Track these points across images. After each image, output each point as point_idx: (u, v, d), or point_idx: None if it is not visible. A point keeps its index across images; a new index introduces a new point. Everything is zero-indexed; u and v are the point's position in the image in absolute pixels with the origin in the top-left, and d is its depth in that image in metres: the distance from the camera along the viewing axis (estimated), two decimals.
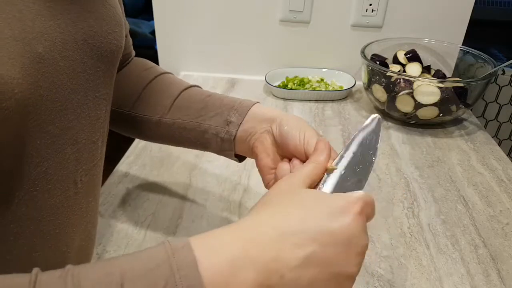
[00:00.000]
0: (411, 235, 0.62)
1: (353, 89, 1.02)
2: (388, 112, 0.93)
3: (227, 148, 0.51)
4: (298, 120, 0.47)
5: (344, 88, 1.01)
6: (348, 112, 0.96)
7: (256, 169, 0.74)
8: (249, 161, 0.76)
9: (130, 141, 0.82)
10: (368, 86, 0.95)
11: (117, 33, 0.40)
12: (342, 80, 1.04)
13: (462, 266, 0.57)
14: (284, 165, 0.45)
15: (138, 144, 0.81)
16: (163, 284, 0.26)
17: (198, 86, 0.56)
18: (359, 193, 0.35)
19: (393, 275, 0.55)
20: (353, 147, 0.42)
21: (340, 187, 0.38)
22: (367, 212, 0.34)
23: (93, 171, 0.41)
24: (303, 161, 0.44)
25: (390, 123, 0.92)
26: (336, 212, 0.32)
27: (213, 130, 0.50)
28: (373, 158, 0.42)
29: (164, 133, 0.53)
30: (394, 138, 0.87)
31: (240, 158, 0.53)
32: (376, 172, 0.75)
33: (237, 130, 0.49)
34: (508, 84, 1.23)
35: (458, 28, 1.02)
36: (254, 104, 0.51)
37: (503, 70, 1.22)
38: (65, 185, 0.37)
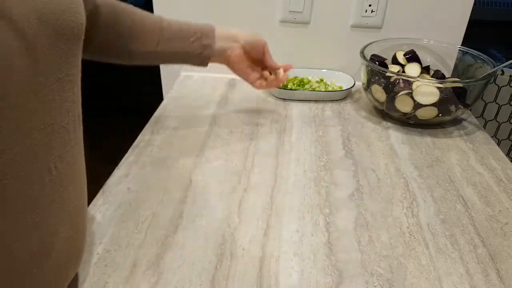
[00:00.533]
0: (410, 234, 0.62)
1: (353, 89, 1.03)
2: (388, 112, 0.93)
3: (204, 63, 0.76)
4: (255, 33, 0.79)
5: (343, 89, 1.02)
6: (347, 112, 0.96)
7: (257, 169, 0.74)
8: (249, 162, 0.77)
9: (130, 141, 0.82)
10: (367, 87, 0.95)
11: (74, 9, 0.38)
12: (342, 81, 1.05)
13: (461, 265, 0.57)
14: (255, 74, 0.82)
15: (139, 144, 0.81)
16: None
17: (162, 16, 0.74)
18: None
19: (392, 275, 0.55)
20: None
21: None
22: None
23: (68, 158, 0.41)
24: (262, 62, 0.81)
25: (389, 123, 0.92)
26: None
27: (197, 53, 0.74)
28: None
29: (156, 59, 0.75)
30: (393, 138, 0.87)
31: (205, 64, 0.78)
32: (375, 172, 0.76)
33: (212, 51, 0.75)
34: (507, 84, 1.24)
35: (457, 28, 1.03)
36: (215, 27, 0.75)
37: (502, 71, 1.23)
38: (38, 172, 0.37)
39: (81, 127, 0.44)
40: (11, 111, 0.33)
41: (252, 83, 0.82)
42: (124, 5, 0.69)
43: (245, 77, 0.81)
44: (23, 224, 0.37)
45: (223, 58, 0.77)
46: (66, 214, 0.42)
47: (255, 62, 0.80)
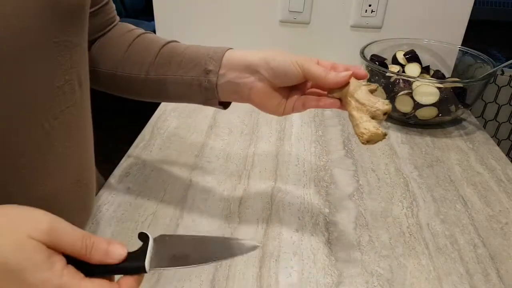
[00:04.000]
0: (410, 234, 0.62)
1: None
2: None
3: (211, 97, 0.54)
4: (281, 54, 0.50)
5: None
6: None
7: (257, 169, 0.74)
8: (249, 161, 0.77)
9: (130, 141, 0.82)
10: None
11: None
12: None
13: (461, 265, 0.57)
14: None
15: (139, 144, 0.81)
16: None
17: (176, 41, 0.58)
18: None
19: (392, 275, 0.55)
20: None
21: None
22: None
23: (64, 116, 0.43)
24: (305, 85, 0.54)
25: (389, 123, 0.92)
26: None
27: (196, 82, 0.53)
28: (213, 261, 0.40)
29: (151, 90, 0.56)
30: (393, 138, 0.87)
31: (225, 105, 0.57)
32: (375, 172, 0.76)
33: (217, 78, 0.52)
34: (507, 85, 1.24)
35: (458, 28, 1.03)
36: (227, 49, 0.54)
37: (502, 71, 1.23)
38: (30, 127, 0.40)
39: (84, 92, 0.47)
40: (3, 65, 0.35)
41: (296, 109, 0.54)
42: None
43: (274, 113, 0.54)
44: (20, 177, 0.40)
45: (241, 96, 0.53)
46: (68, 169, 0.44)
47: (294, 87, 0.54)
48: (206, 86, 0.53)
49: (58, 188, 0.44)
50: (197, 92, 0.54)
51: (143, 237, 0.39)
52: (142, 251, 0.37)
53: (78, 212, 0.49)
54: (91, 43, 0.57)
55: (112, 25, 0.59)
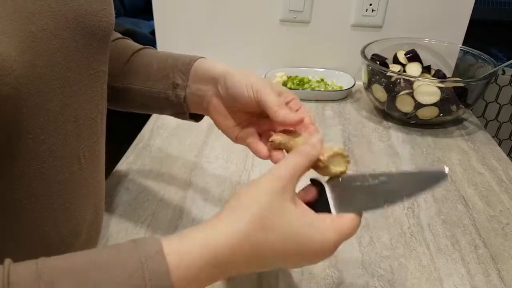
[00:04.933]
0: (411, 235, 0.62)
1: (353, 89, 1.02)
2: (388, 112, 0.93)
3: (180, 111, 0.52)
4: (242, 74, 0.45)
5: (344, 88, 1.01)
6: (348, 112, 0.96)
7: (257, 169, 0.74)
8: (249, 162, 0.77)
9: (130, 141, 0.82)
10: (368, 86, 0.95)
11: (106, 10, 0.40)
12: (342, 80, 1.04)
13: (462, 266, 0.57)
14: (248, 132, 0.47)
15: (138, 144, 0.81)
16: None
17: (149, 47, 0.55)
18: (352, 225, 0.35)
19: (393, 275, 0.55)
20: (396, 172, 0.39)
21: (342, 196, 0.37)
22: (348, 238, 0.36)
23: (94, 147, 0.43)
24: (260, 116, 0.46)
25: (390, 123, 0.92)
26: (311, 255, 0.34)
27: (163, 95, 0.51)
28: (401, 200, 0.38)
29: (120, 99, 0.54)
30: (394, 138, 0.87)
31: (197, 118, 0.54)
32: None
33: (185, 92, 0.50)
34: (508, 84, 1.23)
35: (458, 28, 1.02)
36: (196, 60, 0.50)
37: (503, 70, 1.22)
38: (69, 161, 0.39)
39: (105, 119, 0.46)
40: (48, 104, 0.35)
41: (233, 138, 0.50)
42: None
43: (228, 135, 0.50)
44: (53, 209, 0.39)
45: (202, 108, 0.50)
46: (91, 199, 0.44)
47: (246, 114, 0.49)
48: (173, 101, 0.50)
49: (83, 220, 0.43)
50: (165, 105, 0.52)
51: (317, 183, 0.37)
52: (323, 198, 0.36)
53: (94, 239, 0.48)
54: None
55: None
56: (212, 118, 0.50)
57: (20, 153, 0.34)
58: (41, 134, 0.35)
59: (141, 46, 0.55)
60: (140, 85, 0.52)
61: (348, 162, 0.38)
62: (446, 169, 0.36)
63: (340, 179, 0.38)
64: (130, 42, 0.57)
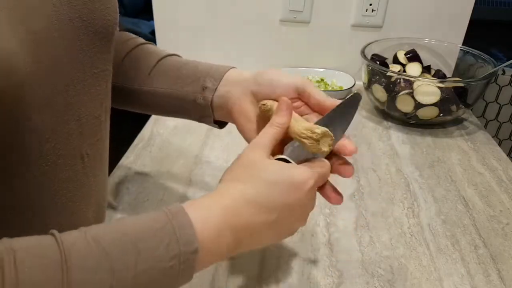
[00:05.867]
0: (411, 235, 0.62)
1: (353, 89, 1.02)
2: (388, 112, 0.93)
3: (206, 114, 0.52)
4: (275, 70, 0.49)
5: (344, 88, 1.01)
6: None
7: None
8: None
9: (130, 141, 0.82)
10: (368, 86, 0.95)
11: (110, 8, 0.41)
12: (342, 80, 1.04)
13: (462, 266, 0.57)
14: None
15: (138, 144, 0.81)
16: (168, 240, 0.33)
17: (177, 55, 0.56)
18: (315, 166, 0.42)
19: (393, 275, 0.55)
20: (326, 118, 0.45)
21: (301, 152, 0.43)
22: (320, 182, 0.43)
23: (97, 146, 0.44)
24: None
25: (390, 123, 0.92)
26: (294, 188, 0.39)
27: (191, 97, 0.51)
28: (343, 132, 0.47)
29: (145, 102, 0.55)
30: (394, 138, 0.87)
31: (221, 124, 0.55)
32: (376, 172, 0.75)
33: (213, 95, 0.50)
34: (508, 84, 1.23)
35: (458, 28, 1.02)
36: (230, 69, 0.51)
37: (503, 70, 1.22)
38: (73, 159, 0.40)
39: (109, 118, 0.47)
40: (53, 102, 0.35)
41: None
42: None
43: (248, 140, 0.49)
44: (56, 207, 0.40)
45: (226, 111, 0.51)
46: (93, 197, 0.45)
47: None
48: (201, 103, 0.51)
49: (85, 219, 0.45)
50: (191, 108, 0.52)
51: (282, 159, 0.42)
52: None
53: None
54: None
55: None
56: (235, 122, 0.50)
57: (25, 151, 0.35)
58: (45, 132, 0.36)
59: (169, 52, 0.55)
60: (169, 88, 0.52)
61: (330, 145, 0.43)
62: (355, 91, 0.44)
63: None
64: (156, 47, 0.57)
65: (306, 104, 0.48)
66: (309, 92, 0.47)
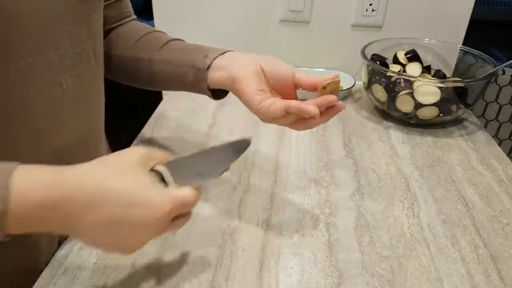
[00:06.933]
0: (411, 235, 0.62)
1: (353, 89, 1.02)
2: (388, 112, 0.93)
3: (202, 78, 0.56)
4: (270, 57, 0.56)
5: (344, 88, 1.01)
6: (348, 112, 0.96)
7: (257, 169, 0.74)
8: (249, 161, 0.77)
9: (130, 141, 0.82)
10: (368, 86, 0.95)
11: None
12: (342, 80, 1.03)
13: (462, 266, 0.57)
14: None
15: (138, 144, 0.81)
16: None
17: (184, 41, 0.64)
18: (177, 195, 0.40)
19: (393, 275, 0.55)
20: (207, 150, 0.46)
21: (178, 172, 0.43)
22: (176, 211, 0.40)
23: (79, 79, 0.50)
24: (289, 91, 0.55)
25: (390, 123, 0.92)
26: (145, 205, 0.38)
27: (191, 62, 0.57)
28: (221, 172, 0.47)
29: (151, 71, 0.61)
30: (394, 138, 0.87)
31: (215, 96, 0.59)
32: (376, 172, 0.75)
33: (212, 62, 0.56)
34: (508, 84, 1.23)
35: (458, 28, 1.02)
36: (231, 51, 0.58)
37: (503, 70, 1.22)
38: (50, 83, 0.47)
39: (99, 62, 0.55)
40: (30, 30, 0.43)
41: (261, 110, 0.52)
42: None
43: (251, 98, 0.52)
44: (36, 127, 0.47)
45: (227, 73, 0.54)
46: (73, 125, 0.52)
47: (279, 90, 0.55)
48: (199, 67, 0.56)
49: (67, 145, 0.51)
50: (190, 73, 0.57)
51: (156, 172, 0.42)
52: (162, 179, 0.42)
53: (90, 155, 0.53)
54: (109, 31, 0.64)
55: (129, 18, 0.67)
56: (237, 82, 0.53)
57: (3, 66, 0.42)
58: (22, 50, 0.43)
59: (178, 38, 0.65)
60: (174, 57, 0.59)
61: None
62: (250, 138, 0.48)
63: (173, 165, 0.43)
64: (167, 34, 0.66)
65: (299, 86, 0.55)
66: (298, 77, 0.55)
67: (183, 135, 0.84)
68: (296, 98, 0.55)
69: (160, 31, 0.66)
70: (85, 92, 0.53)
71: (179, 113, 0.91)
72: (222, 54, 0.56)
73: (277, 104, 0.50)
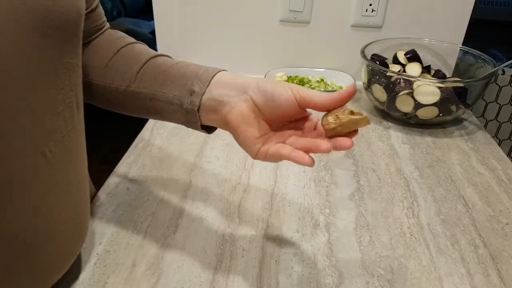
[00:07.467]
0: (411, 235, 0.62)
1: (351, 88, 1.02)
2: (388, 112, 0.93)
3: (192, 120, 0.49)
4: (274, 81, 0.47)
5: (344, 88, 1.01)
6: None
7: (257, 169, 0.74)
8: (249, 161, 0.77)
9: (130, 141, 0.82)
10: (368, 86, 0.95)
11: None
12: (342, 80, 1.04)
13: (462, 266, 0.57)
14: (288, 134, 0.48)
15: (138, 144, 0.81)
16: None
17: (167, 56, 0.54)
18: None
19: (393, 275, 0.55)
20: None
21: None
22: None
23: (64, 143, 0.42)
24: (298, 116, 0.48)
25: (390, 123, 0.92)
26: None
27: (177, 101, 0.49)
28: None
29: (131, 103, 0.52)
30: (394, 138, 0.87)
31: (209, 130, 0.52)
32: (376, 172, 0.75)
33: (200, 100, 0.47)
34: (508, 84, 1.23)
35: (458, 28, 1.02)
36: (219, 71, 0.49)
37: (503, 70, 1.22)
38: (32, 155, 0.38)
39: (81, 112, 0.45)
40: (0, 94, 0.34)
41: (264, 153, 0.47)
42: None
43: (249, 148, 0.47)
44: (22, 207, 0.38)
45: (220, 116, 0.47)
46: (68, 197, 0.44)
47: (282, 120, 0.48)
48: (187, 108, 0.48)
49: (55, 218, 0.43)
50: (178, 113, 0.49)
51: None
52: None
53: (74, 241, 0.48)
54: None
55: (99, 32, 0.55)
56: (232, 128, 0.47)
57: None
58: None
59: (158, 52, 0.53)
60: (155, 90, 0.50)
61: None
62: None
63: None
64: (146, 47, 0.55)
65: (313, 108, 0.47)
66: (307, 99, 0.45)
67: (183, 135, 0.84)
68: (306, 115, 0.49)
69: (135, 43, 0.56)
70: (73, 153, 0.44)
71: None
72: (209, 84, 0.48)
73: (274, 153, 0.46)
